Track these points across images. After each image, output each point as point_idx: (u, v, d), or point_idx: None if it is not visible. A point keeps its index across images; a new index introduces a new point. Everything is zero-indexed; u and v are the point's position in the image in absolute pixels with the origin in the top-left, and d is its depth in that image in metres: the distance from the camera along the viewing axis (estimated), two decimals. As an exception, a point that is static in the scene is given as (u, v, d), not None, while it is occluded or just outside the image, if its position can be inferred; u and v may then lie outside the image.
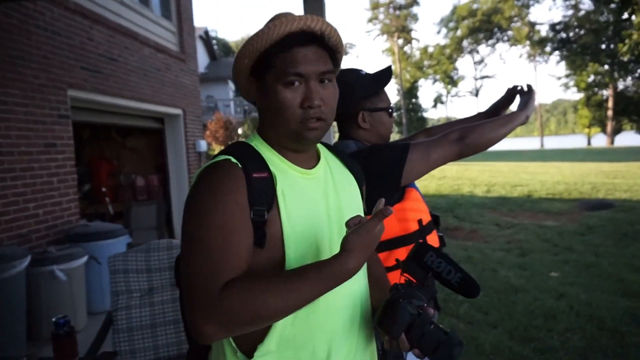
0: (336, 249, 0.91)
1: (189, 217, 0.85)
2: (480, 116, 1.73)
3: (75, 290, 3.70)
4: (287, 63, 0.90)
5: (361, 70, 1.51)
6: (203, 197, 0.84)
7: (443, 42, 54.69)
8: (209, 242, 0.82)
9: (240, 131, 19.16)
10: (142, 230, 5.51)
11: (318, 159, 1.02)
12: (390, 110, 1.53)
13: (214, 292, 0.78)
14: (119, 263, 2.12)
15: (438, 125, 1.80)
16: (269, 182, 0.89)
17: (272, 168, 0.91)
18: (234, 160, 0.89)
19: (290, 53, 0.90)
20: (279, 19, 0.90)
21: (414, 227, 1.39)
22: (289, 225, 0.89)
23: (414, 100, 51.08)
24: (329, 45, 0.95)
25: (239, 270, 0.82)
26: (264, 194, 0.87)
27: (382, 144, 1.46)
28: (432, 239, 1.43)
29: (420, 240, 1.34)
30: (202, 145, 7.63)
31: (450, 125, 1.71)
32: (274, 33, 0.90)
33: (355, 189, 1.07)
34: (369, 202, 1.20)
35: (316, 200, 0.95)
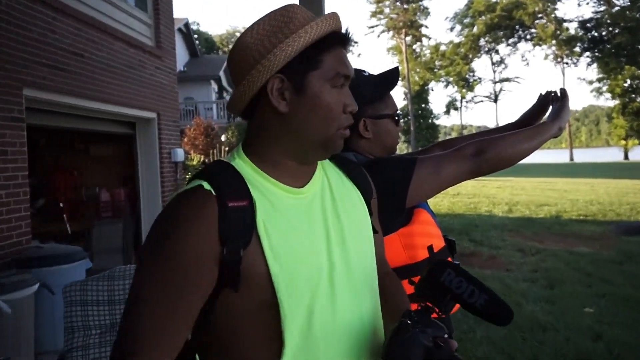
0: (340, 281, 0.94)
1: (142, 256, 0.87)
2: (510, 127, 1.73)
3: (22, 326, 3.62)
4: (338, 62, 0.95)
5: (364, 71, 1.53)
6: (160, 237, 0.86)
7: (457, 40, 55.28)
8: (150, 302, 0.84)
9: (223, 138, 19.22)
10: (105, 253, 5.46)
11: (314, 170, 1.03)
12: (396, 117, 1.54)
13: None
14: (76, 293, 2.09)
15: (459, 137, 1.79)
16: (248, 212, 0.88)
17: (253, 192, 0.91)
18: (207, 186, 0.89)
19: (338, 52, 0.96)
20: (323, 17, 0.95)
21: (423, 254, 1.39)
22: (276, 262, 0.88)
23: (423, 105, 51.55)
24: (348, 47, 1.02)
25: (173, 344, 0.85)
26: (240, 227, 0.87)
27: (386, 158, 1.47)
28: None
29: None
30: (179, 154, 7.64)
31: (473, 138, 1.71)
32: (320, 29, 0.93)
33: (360, 205, 1.08)
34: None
35: (310, 224, 0.95)
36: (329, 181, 1.05)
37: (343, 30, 0.99)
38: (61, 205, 6.82)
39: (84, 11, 5.58)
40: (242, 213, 0.87)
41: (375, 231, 1.10)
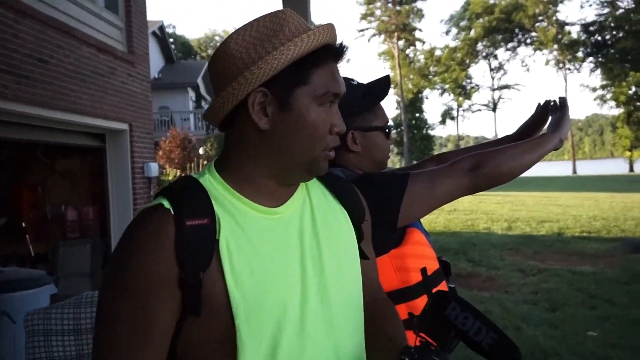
0: (314, 315, 0.92)
1: (102, 288, 0.89)
2: (508, 139, 1.75)
3: (-19, 357, 3.58)
4: (329, 79, 0.95)
5: (352, 80, 1.53)
6: (117, 265, 0.87)
7: (453, 44, 55.86)
8: (114, 338, 0.85)
9: (201, 151, 19.15)
10: (72, 277, 5.40)
11: (294, 189, 1.02)
12: (387, 129, 1.54)
13: None
14: (38, 322, 2.07)
15: (455, 150, 1.80)
16: (209, 231, 0.87)
17: (218, 210, 0.90)
18: (166, 204, 0.89)
19: (330, 67, 0.96)
20: (317, 29, 0.95)
21: (416, 277, 1.38)
22: (237, 287, 0.87)
23: (417, 114, 51.96)
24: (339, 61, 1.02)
25: None
26: (199, 247, 0.86)
27: (376, 173, 1.47)
28: None
29: (434, 290, 1.33)
30: (153, 168, 7.60)
31: (469, 151, 1.72)
32: (313, 42, 0.93)
33: (346, 229, 1.06)
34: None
35: (283, 248, 0.93)
36: (311, 200, 1.03)
37: (337, 43, 0.98)
38: (24, 224, 6.74)
39: (49, 13, 5.55)
40: (201, 232, 0.86)
41: (365, 257, 1.09)
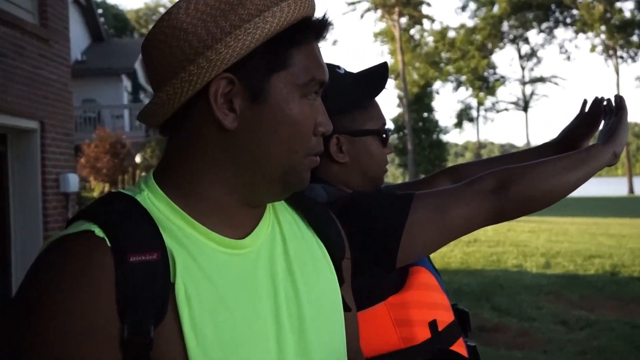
0: None
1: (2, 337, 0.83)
2: (544, 150, 1.78)
3: None
4: (312, 62, 0.97)
5: (338, 68, 1.55)
6: (27, 312, 0.82)
7: (471, 23, 56.79)
8: None
9: (138, 159, 19.08)
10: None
11: (261, 214, 1.04)
12: (384, 133, 1.56)
13: None
14: None
15: (475, 162, 1.83)
16: (160, 270, 0.86)
17: (169, 241, 0.90)
18: (98, 232, 0.86)
19: (311, 48, 0.98)
20: None
21: (423, 334, 1.40)
22: (198, 347, 0.86)
23: (425, 114, 52.62)
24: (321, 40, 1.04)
25: None
26: (148, 292, 0.85)
27: (369, 193, 1.49)
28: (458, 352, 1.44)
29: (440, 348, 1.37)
30: (72, 181, 7.58)
31: (494, 164, 1.73)
32: (293, 14, 0.94)
33: (326, 269, 1.08)
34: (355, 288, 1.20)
35: (252, 294, 0.95)
36: (282, 229, 1.05)
37: (318, 16, 1.00)
38: None
39: None
40: (150, 271, 0.85)
41: (347, 308, 1.11)
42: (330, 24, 1.01)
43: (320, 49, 1.02)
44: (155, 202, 0.95)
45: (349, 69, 1.58)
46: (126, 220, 0.89)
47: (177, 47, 0.93)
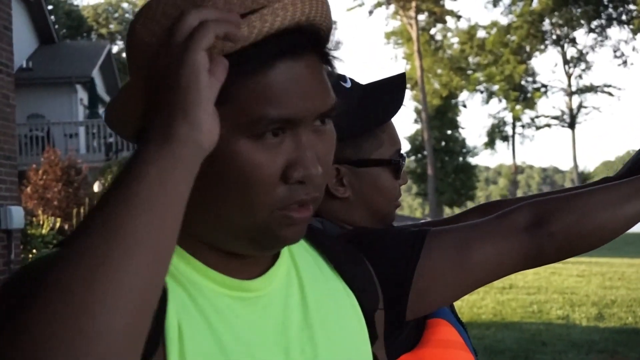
0: None
1: None
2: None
3: None
4: (265, 96, 0.90)
5: (343, 79, 1.54)
6: None
7: (505, 20, 56.77)
8: None
9: (97, 187, 19.02)
10: None
11: (275, 254, 1.04)
12: (397, 163, 1.56)
13: None
14: None
15: (519, 198, 1.75)
16: None
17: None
18: None
19: (273, 73, 0.91)
20: None
21: None
22: None
23: (449, 132, 52.46)
24: (327, 55, 1.00)
25: None
26: None
27: (373, 229, 1.49)
28: None
29: None
30: (16, 216, 7.61)
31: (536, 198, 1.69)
32: (259, 30, 0.88)
33: (354, 321, 1.09)
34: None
35: (259, 344, 0.95)
36: (299, 272, 1.05)
37: (315, 20, 0.95)
38: None
39: None
40: None
41: None
42: (321, 30, 0.97)
43: (305, 67, 0.94)
44: None
45: (358, 80, 1.57)
46: None
47: (136, 52, 0.96)
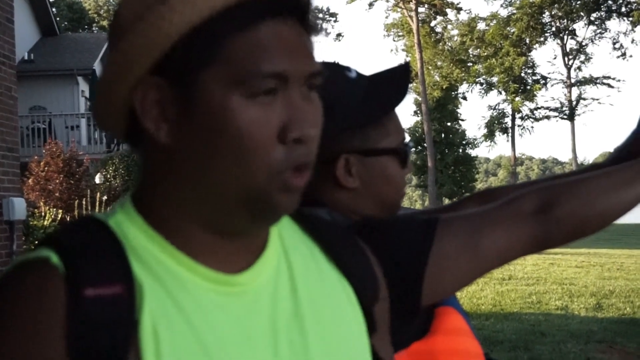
0: None
1: None
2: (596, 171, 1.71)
3: None
4: (256, 51, 0.90)
5: (349, 70, 1.54)
6: None
7: (504, 12, 56.52)
8: None
9: (99, 179, 19.01)
10: None
11: (263, 244, 1.02)
12: (403, 152, 1.56)
13: None
14: None
15: (513, 186, 1.79)
16: (123, 307, 0.87)
17: (141, 273, 0.90)
18: (54, 260, 0.87)
19: (258, 31, 0.90)
20: None
21: None
22: None
23: (449, 124, 52.28)
24: (308, 21, 0.98)
25: None
26: (104, 332, 0.85)
27: (382, 218, 1.48)
28: None
29: None
30: (18, 207, 7.59)
31: (535, 184, 1.70)
32: None
33: (349, 314, 1.07)
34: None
35: (246, 345, 0.93)
36: (290, 263, 1.03)
37: None
38: None
39: None
40: (110, 307, 0.85)
41: None
42: None
43: (290, 28, 0.94)
44: (128, 225, 0.94)
45: (361, 70, 1.56)
46: (89, 247, 0.89)
47: (110, 32, 0.98)
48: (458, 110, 53.86)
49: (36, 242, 10.27)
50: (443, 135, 51.18)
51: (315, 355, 0.97)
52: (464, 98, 60.63)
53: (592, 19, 55.11)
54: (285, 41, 0.91)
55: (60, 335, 0.83)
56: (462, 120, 56.29)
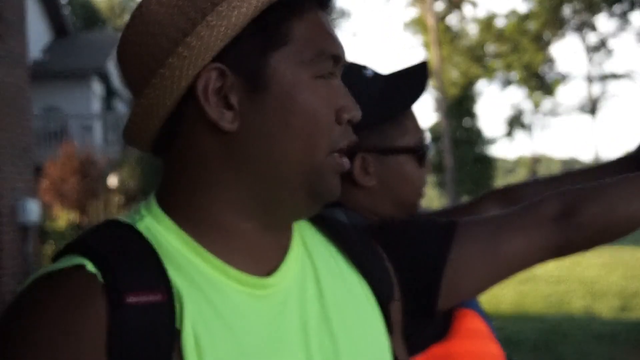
0: None
1: None
2: (615, 167, 1.76)
3: None
4: (318, 33, 0.98)
5: (365, 69, 1.57)
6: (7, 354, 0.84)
7: (523, 8, 56.69)
8: None
9: (113, 181, 19.12)
10: None
11: (289, 242, 1.05)
12: (421, 150, 1.58)
13: None
14: None
15: (530, 183, 1.84)
16: (165, 315, 0.87)
17: (177, 278, 0.91)
18: (90, 267, 0.87)
19: (315, 17, 0.99)
20: None
21: None
22: None
23: (467, 121, 52.36)
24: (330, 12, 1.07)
25: None
26: (148, 340, 0.85)
27: (400, 220, 1.50)
28: None
29: None
30: (32, 210, 7.68)
31: (552, 184, 1.74)
32: None
33: (370, 314, 1.10)
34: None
35: (280, 343, 0.96)
36: (315, 266, 1.06)
37: None
38: None
39: None
40: (152, 315, 0.86)
41: None
42: None
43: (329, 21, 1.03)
44: (160, 231, 0.96)
45: (378, 69, 1.59)
46: (124, 253, 0.90)
47: (153, 44, 0.95)
48: (476, 107, 54.06)
49: (53, 246, 10.43)
50: (461, 133, 51.29)
51: (344, 355, 1.00)
52: (482, 93, 60.92)
53: (613, 12, 54.97)
54: (329, 27, 1.01)
55: (102, 346, 0.84)
56: (481, 117, 56.90)
